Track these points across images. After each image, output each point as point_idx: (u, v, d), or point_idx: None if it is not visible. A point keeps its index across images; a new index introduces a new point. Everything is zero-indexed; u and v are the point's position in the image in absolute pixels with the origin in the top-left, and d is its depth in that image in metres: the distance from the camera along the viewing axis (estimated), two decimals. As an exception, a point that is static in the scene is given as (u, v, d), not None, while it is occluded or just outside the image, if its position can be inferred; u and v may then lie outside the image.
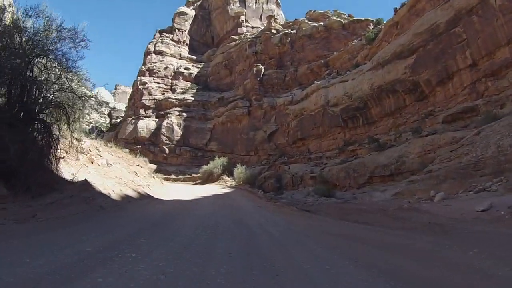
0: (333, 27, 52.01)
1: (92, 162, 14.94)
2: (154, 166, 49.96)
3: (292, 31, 54.92)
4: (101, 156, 15.62)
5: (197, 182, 41.53)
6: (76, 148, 14.17)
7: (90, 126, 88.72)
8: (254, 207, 16.79)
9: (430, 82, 26.93)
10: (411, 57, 28.53)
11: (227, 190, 30.67)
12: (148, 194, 17.36)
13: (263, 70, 51.53)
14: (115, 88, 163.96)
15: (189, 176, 43.53)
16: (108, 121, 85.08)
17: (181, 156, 52.53)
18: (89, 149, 15.17)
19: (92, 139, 19.99)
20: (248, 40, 59.11)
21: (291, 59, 53.32)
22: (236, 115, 50.50)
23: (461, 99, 24.72)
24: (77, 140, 14.52)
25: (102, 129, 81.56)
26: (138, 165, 19.72)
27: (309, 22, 56.13)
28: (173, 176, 44.05)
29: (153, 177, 21.81)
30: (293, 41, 53.91)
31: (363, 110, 32.92)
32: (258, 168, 40.98)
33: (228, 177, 39.52)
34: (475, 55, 24.12)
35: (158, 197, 17.88)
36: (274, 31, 56.74)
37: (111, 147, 22.02)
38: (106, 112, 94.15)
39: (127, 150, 30.30)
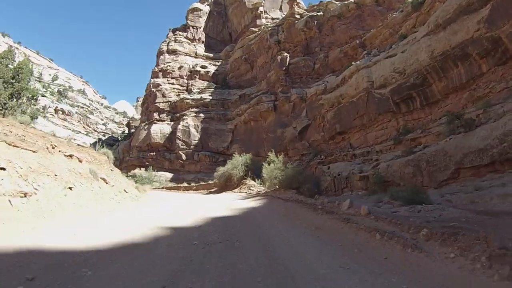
0: (365, 3, 45.21)
1: None
2: (169, 175, 44.31)
3: (318, 13, 48.35)
4: None
5: (212, 190, 34.07)
6: None
7: (106, 137, 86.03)
8: None
9: (518, 35, 19.69)
10: (485, 8, 21.44)
11: (251, 203, 17.02)
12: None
13: (288, 58, 45.10)
14: (137, 101, 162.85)
15: (203, 183, 36.71)
16: (126, 131, 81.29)
17: (200, 162, 46.66)
18: None
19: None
20: (269, 29, 53.06)
21: (319, 44, 46.73)
22: (260, 111, 44.18)
23: None
24: None
25: (118, 138, 78.74)
26: (69, 155, 12.27)
27: (337, 2, 49.47)
28: (184, 184, 37.85)
29: (104, 179, 12.98)
30: (321, 24, 47.38)
31: (421, 87, 25.92)
32: (290, 170, 34.38)
33: (254, 180, 29.69)
34: None
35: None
36: (297, 16, 50.39)
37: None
38: (125, 123, 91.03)
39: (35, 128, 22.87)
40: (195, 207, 15.07)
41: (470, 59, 22.48)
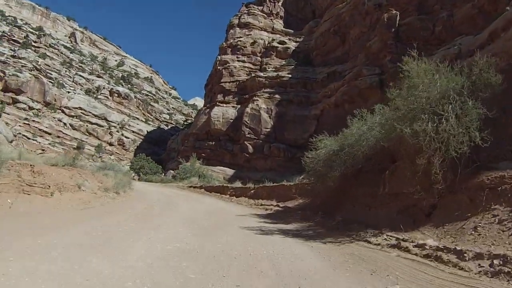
0: None
1: None
2: (230, 171, 35.07)
3: (439, -39, 35.96)
4: None
5: (289, 204, 17.12)
6: None
7: (169, 126, 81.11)
8: None
9: None
10: None
11: None
12: None
13: (398, 17, 33.40)
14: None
15: (269, 185, 22.01)
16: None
17: (271, 157, 37.09)
18: None
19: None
20: (367, -10, 41.57)
21: (439, 1, 34.37)
22: (360, 88, 33.20)
23: None
24: None
25: (180, 127, 76.49)
26: None
27: None
28: (237, 185, 26.03)
29: None
30: (442, -24, 35.03)
31: None
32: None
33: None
34: None
35: None
36: (407, -31, 38.35)
37: None
38: (193, 115, 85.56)
39: None
40: None
41: None
